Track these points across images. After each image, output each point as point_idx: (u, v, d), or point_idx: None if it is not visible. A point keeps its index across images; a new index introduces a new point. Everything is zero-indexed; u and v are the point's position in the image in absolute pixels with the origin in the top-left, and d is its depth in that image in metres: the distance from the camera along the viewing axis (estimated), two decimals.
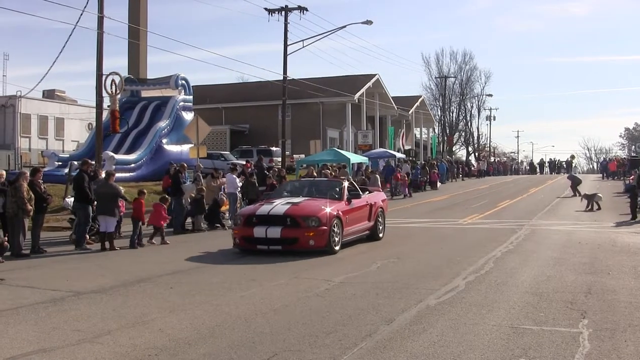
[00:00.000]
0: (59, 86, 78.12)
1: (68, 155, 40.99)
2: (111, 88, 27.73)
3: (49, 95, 67.02)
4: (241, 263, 16.41)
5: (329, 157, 43.26)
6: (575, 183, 42.68)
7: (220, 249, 19.13)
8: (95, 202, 19.68)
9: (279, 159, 47.16)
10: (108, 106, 30.35)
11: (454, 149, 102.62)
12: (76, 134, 63.74)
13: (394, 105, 74.95)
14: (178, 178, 24.77)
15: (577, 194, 40.75)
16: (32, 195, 17.94)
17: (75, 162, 32.93)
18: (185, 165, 26.59)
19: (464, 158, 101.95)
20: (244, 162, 39.74)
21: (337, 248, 17.97)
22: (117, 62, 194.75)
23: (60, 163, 37.42)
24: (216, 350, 8.45)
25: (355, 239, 19.55)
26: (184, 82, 43.56)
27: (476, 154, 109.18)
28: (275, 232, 17.55)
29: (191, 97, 44.38)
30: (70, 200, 22.05)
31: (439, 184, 53.26)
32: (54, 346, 8.71)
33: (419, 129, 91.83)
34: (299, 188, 21.35)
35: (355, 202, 19.81)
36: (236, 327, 9.70)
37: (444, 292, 12.17)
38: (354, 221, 19.38)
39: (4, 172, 19.36)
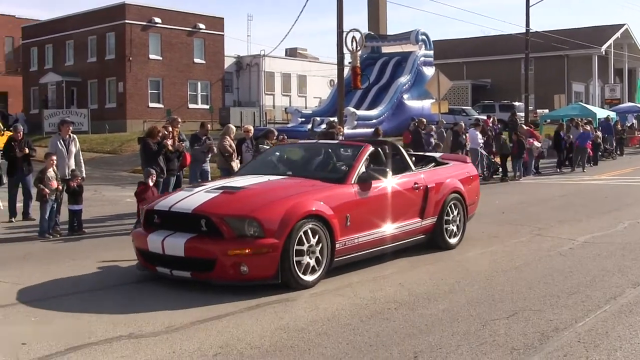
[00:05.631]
0: (301, 44, 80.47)
1: (311, 112, 42.28)
2: (352, 45, 28.17)
3: (291, 53, 69.30)
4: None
5: (574, 112, 41.76)
6: None
7: None
8: None
9: (522, 114, 46.19)
10: (349, 63, 30.92)
11: None
12: (318, 90, 65.49)
13: None
14: (419, 133, 24.87)
15: None
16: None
17: (318, 118, 33.92)
18: (424, 120, 26.51)
19: None
20: (485, 117, 39.33)
21: (309, 278, 9.44)
22: (357, 19, 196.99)
23: (303, 119, 38.63)
24: (455, 306, 8.41)
25: (378, 254, 10.97)
26: (424, 37, 43.51)
27: None
28: (176, 245, 9.29)
29: (431, 52, 44.31)
30: None
31: None
32: (295, 296, 9.00)
33: None
34: (293, 158, 12.80)
35: (383, 186, 10.95)
36: (476, 283, 9.62)
37: None
38: (374, 222, 10.71)
39: (252, 128, 20.18)
